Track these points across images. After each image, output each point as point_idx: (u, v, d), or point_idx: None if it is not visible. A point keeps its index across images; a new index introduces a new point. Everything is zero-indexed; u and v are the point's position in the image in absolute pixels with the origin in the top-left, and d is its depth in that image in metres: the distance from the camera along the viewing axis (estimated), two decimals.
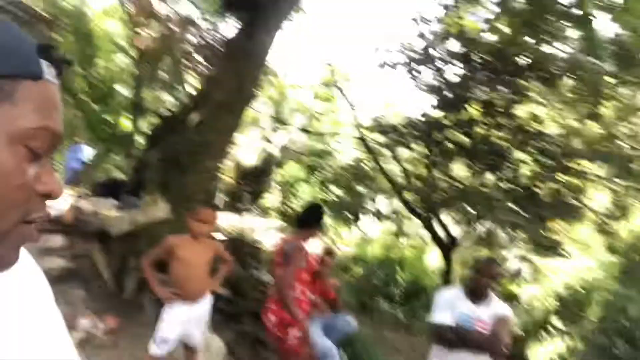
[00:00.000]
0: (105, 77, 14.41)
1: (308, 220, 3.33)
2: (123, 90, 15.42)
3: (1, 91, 0.44)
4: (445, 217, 7.90)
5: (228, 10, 6.08)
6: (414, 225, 9.67)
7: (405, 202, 8.22)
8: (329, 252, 4.42)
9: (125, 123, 14.57)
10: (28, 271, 0.62)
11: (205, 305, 3.16)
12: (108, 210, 4.77)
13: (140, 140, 10.75)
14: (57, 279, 5.08)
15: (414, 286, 8.62)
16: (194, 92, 5.67)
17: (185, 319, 3.02)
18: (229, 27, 7.74)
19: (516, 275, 8.70)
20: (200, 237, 2.94)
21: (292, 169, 15.45)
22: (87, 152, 12.58)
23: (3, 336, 0.52)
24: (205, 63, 9.22)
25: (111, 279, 4.54)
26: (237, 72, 5.15)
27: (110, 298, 4.54)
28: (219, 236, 8.53)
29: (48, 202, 0.51)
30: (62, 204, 4.60)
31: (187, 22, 10.75)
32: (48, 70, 0.48)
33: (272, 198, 15.42)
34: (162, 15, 11.05)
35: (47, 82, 0.48)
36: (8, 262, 0.50)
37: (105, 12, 14.40)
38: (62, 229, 4.45)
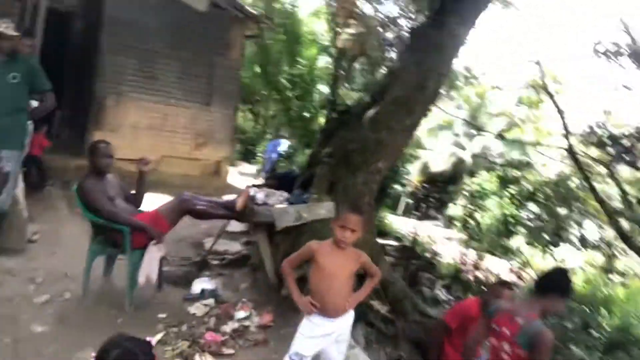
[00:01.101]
0: (307, 75, 15.28)
1: (554, 287, 2.54)
2: (323, 89, 16.23)
3: None
4: None
5: None
6: (629, 259, 7.88)
7: (621, 231, 6.67)
8: (506, 285, 3.67)
9: (322, 120, 15.27)
10: None
11: (346, 321, 2.81)
12: (278, 202, 4.79)
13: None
14: (230, 263, 5.37)
15: (622, 334, 7.05)
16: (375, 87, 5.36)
17: (323, 335, 2.72)
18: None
19: None
20: (342, 244, 2.59)
21: (483, 179, 14.19)
22: (285, 146, 13.56)
23: None
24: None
25: (272, 272, 4.53)
26: (419, 65, 4.64)
27: (270, 292, 4.51)
28: (389, 242, 8.16)
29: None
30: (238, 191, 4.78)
31: (387, 21, 10.62)
32: None
33: (456, 208, 14.39)
34: (363, 14, 11.15)
35: None
36: None
37: (314, 13, 15.23)
38: (234, 216, 4.58)
